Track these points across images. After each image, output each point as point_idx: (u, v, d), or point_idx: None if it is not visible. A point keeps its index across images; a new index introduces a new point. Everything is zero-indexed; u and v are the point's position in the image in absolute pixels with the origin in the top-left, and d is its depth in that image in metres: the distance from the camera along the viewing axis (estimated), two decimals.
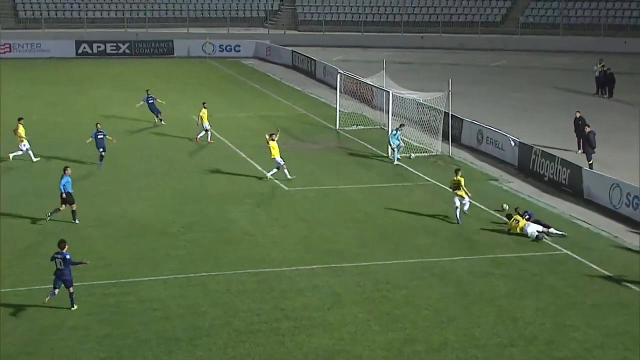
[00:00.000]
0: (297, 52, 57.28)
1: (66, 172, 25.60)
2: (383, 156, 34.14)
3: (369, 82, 39.69)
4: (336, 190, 29.70)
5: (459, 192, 26.29)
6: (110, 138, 31.95)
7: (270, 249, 23.76)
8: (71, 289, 19.47)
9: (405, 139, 35.44)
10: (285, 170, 30.22)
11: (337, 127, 38.97)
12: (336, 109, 39.72)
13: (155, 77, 52.09)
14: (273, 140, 30.25)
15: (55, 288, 19.43)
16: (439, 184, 30.37)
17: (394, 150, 33.09)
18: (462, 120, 36.67)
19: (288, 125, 39.41)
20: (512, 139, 33.29)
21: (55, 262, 19.49)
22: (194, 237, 24.56)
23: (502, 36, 66.30)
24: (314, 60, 54.16)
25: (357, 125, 39.40)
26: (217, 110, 43.42)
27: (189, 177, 30.90)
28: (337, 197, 28.90)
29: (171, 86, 41.79)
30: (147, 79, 50.27)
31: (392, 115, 35.11)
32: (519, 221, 25.19)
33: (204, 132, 35.64)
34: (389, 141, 33.38)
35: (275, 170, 30.28)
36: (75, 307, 19.49)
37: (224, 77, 54.16)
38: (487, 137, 34.98)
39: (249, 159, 33.48)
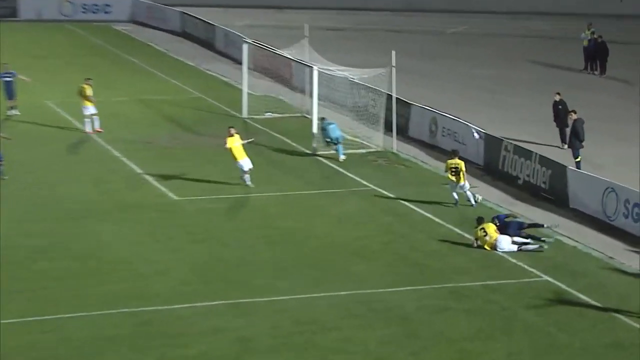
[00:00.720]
0: (189, 15, 57.15)
1: None
2: (306, 154, 34.37)
3: (286, 55, 39.87)
4: (243, 199, 29.78)
5: (457, 179, 28.36)
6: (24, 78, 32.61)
7: (155, 280, 23.70)
8: None
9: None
10: (247, 177, 30.35)
11: (245, 115, 39.03)
12: (242, 90, 39.78)
13: None
14: (232, 135, 30.28)
15: None
16: (380, 189, 30.68)
17: (334, 145, 33.52)
18: (410, 105, 37.14)
19: (177, 113, 39.31)
20: (475, 129, 33.84)
21: None
22: (49, 266, 24.37)
23: None
24: (212, 25, 54.09)
25: (271, 112, 39.55)
26: (72, 91, 43.02)
27: (42, 184, 30.55)
28: (244, 209, 28.97)
29: (15, 61, 41.15)
30: None
31: (318, 99, 35.32)
32: (487, 234, 25.87)
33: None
34: (322, 135, 33.83)
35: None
36: None
37: (90, 47, 53.78)
38: (443, 127, 35.51)
39: (123, 159, 33.35)
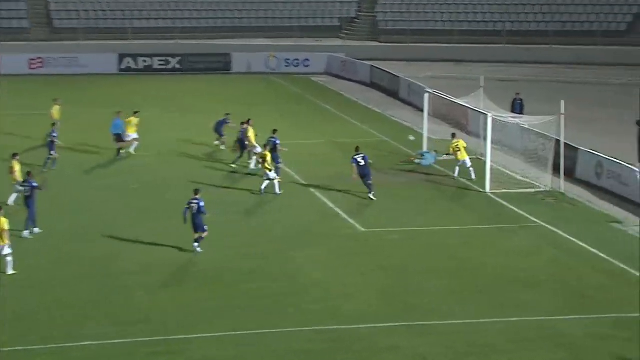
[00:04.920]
0: (377, 68, 57.59)
1: None
2: (480, 191, 34.02)
3: (463, 104, 39.64)
4: (423, 232, 29.73)
5: (460, 155, 33.50)
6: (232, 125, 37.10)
7: (343, 301, 23.85)
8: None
9: (508, 171, 35.22)
10: (276, 183, 32.53)
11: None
12: (423, 135, 39.76)
13: (211, 96, 52.93)
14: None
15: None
16: (548, 226, 30.08)
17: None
18: (577, 149, 36.29)
19: (366, 154, 39.46)
20: (639, 171, 32.78)
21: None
22: (254, 286, 24.82)
23: (628, 48, 65.52)
24: (397, 77, 54.34)
25: (448, 154, 39.30)
26: (282, 135, 43.83)
27: (244, 213, 31.20)
28: (424, 240, 28.89)
29: (229, 108, 42.37)
30: (201, 99, 51.14)
31: (492, 143, 34.98)
32: (459, 149, 33.67)
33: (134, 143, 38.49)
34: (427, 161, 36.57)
35: (266, 181, 32.72)
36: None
37: (291, 96, 54.79)
38: (609, 170, 34.54)
39: (318, 194, 33.74)
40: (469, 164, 34.75)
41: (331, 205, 32.37)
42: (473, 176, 34.54)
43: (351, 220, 30.61)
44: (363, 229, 29.81)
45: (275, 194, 32.82)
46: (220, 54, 62.82)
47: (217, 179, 35.23)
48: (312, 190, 34.32)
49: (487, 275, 25.79)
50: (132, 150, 38.90)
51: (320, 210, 31.88)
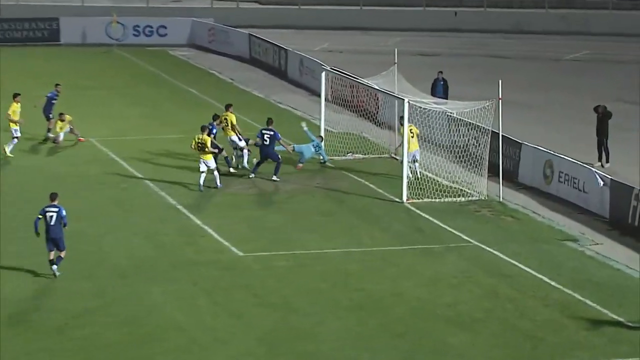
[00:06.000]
0: (258, 37, 57.59)
1: None
2: (394, 201, 34.24)
3: (371, 85, 39.85)
4: (319, 256, 29.76)
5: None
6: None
7: (214, 351, 23.71)
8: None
9: (431, 174, 35.52)
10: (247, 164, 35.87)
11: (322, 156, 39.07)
12: (320, 127, 39.78)
13: (32, 76, 52.11)
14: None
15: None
16: (483, 246, 30.45)
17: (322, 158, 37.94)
18: (521, 144, 36.83)
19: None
20: (599, 175, 33.42)
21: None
22: (90, 332, 24.47)
23: (584, 12, 66.97)
24: (285, 49, 54.39)
25: (352, 153, 39.49)
26: (130, 128, 43.18)
27: (85, 236, 30.79)
28: (321, 267, 28.93)
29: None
30: (18, 80, 50.24)
31: (410, 136, 35.22)
32: (414, 135, 34.86)
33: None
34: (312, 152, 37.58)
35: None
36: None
37: (141, 76, 54.40)
38: (561, 172, 35.12)
39: (180, 208, 33.60)
40: (417, 156, 35.81)
41: (198, 221, 32.27)
42: (411, 174, 35.24)
43: (225, 242, 30.52)
44: (240, 253, 29.74)
45: (217, 186, 34.96)
46: (43, 19, 62.01)
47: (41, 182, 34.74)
48: (172, 202, 34.20)
49: (403, 313, 25.85)
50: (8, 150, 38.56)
51: (183, 229, 31.74)
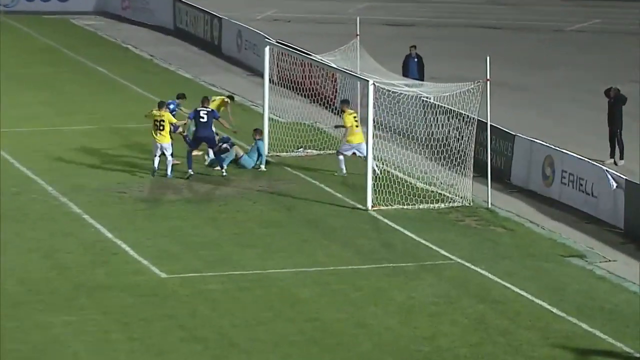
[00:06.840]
0: (185, 3, 57.71)
1: None
2: (357, 208, 34.27)
3: (327, 63, 39.85)
4: (263, 277, 29.82)
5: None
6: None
7: None
8: None
9: (402, 175, 35.63)
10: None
11: (266, 151, 39.01)
12: (263, 115, 39.81)
13: None
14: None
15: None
16: (467, 264, 30.61)
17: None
18: (514, 137, 37.00)
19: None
20: (611, 175, 33.56)
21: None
22: None
23: None
24: (219, 18, 54.51)
25: (304, 148, 39.50)
26: (24, 118, 42.90)
27: None
28: (264, 292, 28.97)
29: None
30: None
31: (375, 127, 35.32)
32: (358, 125, 36.43)
33: None
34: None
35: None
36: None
37: (38, 52, 54.38)
38: (564, 171, 35.31)
39: (86, 217, 33.62)
40: (364, 152, 36.11)
41: (109, 235, 32.28)
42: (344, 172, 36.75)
43: (144, 261, 30.54)
44: (163, 275, 29.77)
45: (167, 175, 36.74)
46: None
47: None
48: (77, 210, 34.26)
49: (369, 349, 25.82)
50: None
51: (90, 245, 31.73)
